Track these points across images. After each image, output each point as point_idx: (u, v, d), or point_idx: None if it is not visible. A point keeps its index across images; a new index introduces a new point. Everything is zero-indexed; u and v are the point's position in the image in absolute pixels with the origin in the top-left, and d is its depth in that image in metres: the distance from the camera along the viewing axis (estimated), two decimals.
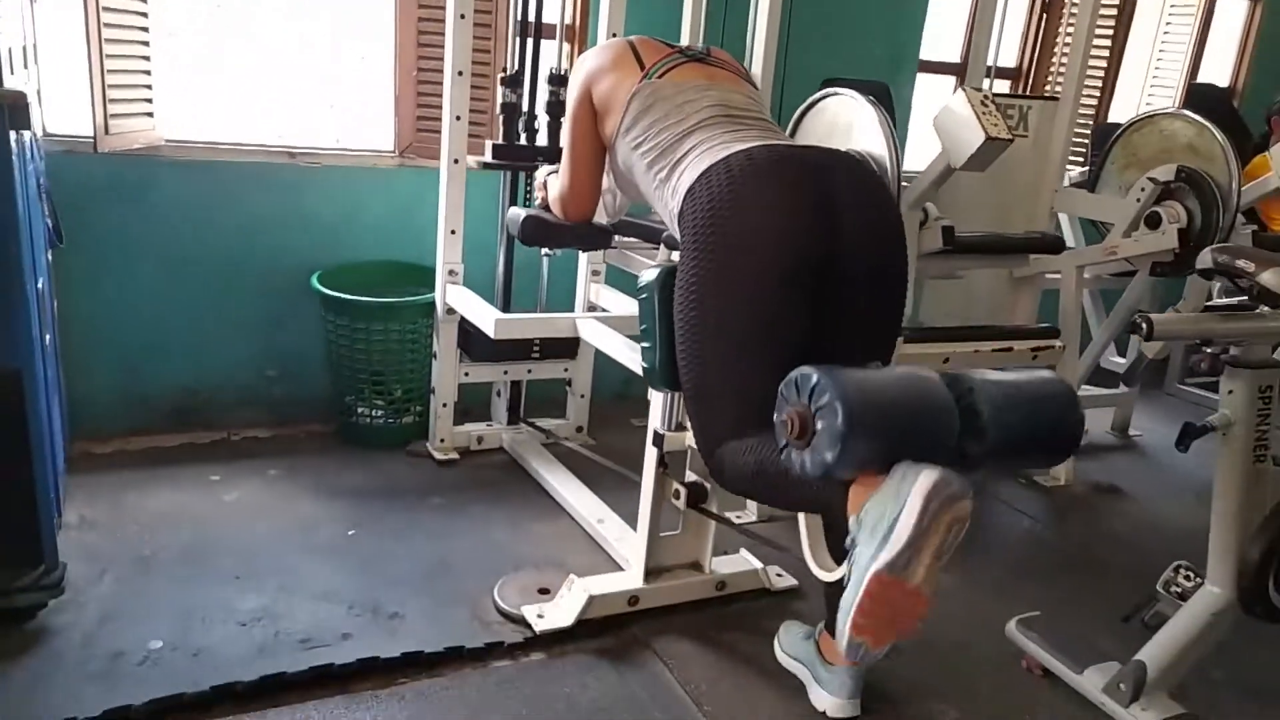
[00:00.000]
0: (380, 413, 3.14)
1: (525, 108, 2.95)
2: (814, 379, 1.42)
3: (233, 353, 3.16)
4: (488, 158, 2.84)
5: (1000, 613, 2.32)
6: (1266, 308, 1.75)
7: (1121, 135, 3.22)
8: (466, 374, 3.06)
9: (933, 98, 3.97)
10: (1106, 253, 3.09)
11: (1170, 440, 1.95)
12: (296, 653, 2.02)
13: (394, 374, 3.09)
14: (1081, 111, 4.10)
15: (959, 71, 3.88)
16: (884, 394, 1.45)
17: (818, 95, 2.66)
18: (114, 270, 2.93)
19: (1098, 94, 4.18)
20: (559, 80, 2.86)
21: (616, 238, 2.45)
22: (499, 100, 2.91)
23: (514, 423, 3.23)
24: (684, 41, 3.03)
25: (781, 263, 1.68)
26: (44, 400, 2.04)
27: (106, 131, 2.65)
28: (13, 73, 1.94)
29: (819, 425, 1.40)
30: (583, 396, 3.26)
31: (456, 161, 2.85)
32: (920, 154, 4.06)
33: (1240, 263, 1.69)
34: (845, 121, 2.54)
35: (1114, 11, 4.09)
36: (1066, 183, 3.51)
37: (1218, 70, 4.85)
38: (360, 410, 3.14)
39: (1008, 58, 4.23)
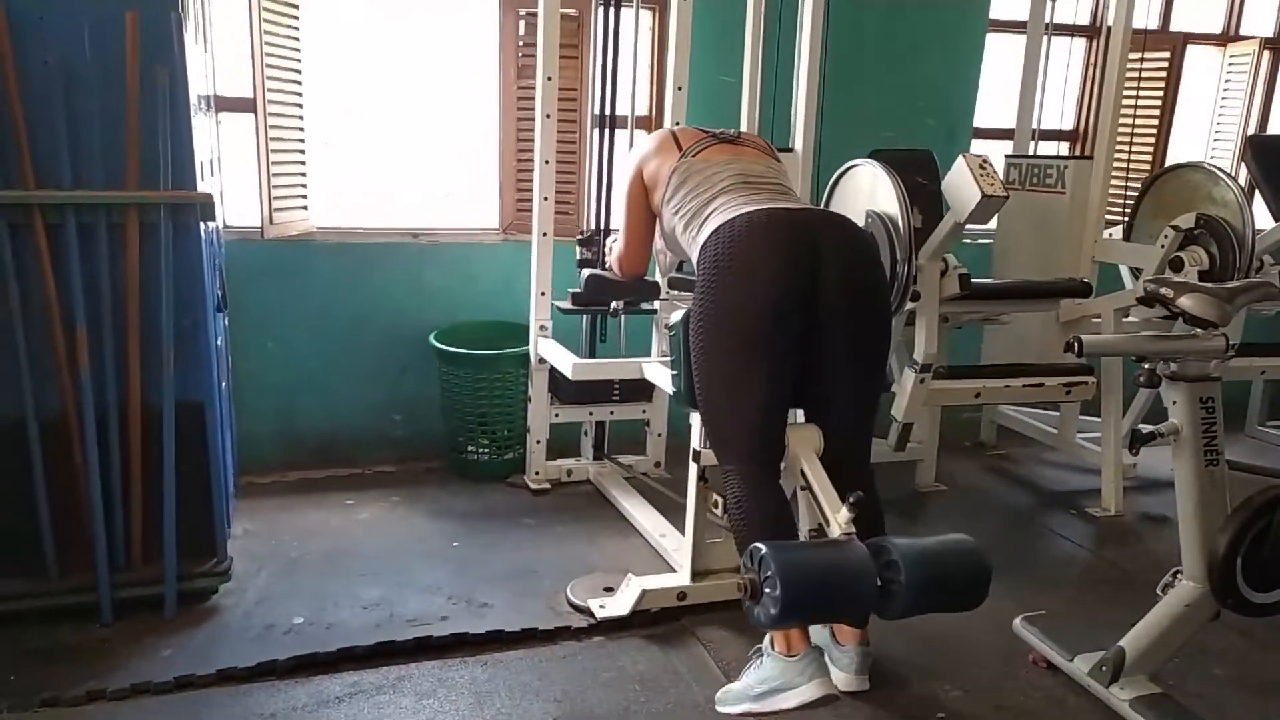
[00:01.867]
0: (486, 451, 3.66)
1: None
2: (761, 555, 1.86)
3: (368, 400, 3.76)
4: (569, 305, 3.15)
5: (1013, 613, 2.58)
6: (1199, 329, 2.04)
7: (1150, 187, 3.48)
8: (557, 415, 3.55)
9: None
10: (1137, 296, 3.32)
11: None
12: (405, 629, 2.51)
13: (497, 417, 3.61)
14: (1134, 167, 4.35)
15: (1013, 136, 4.19)
16: (814, 570, 1.89)
17: (847, 166, 3.08)
18: (274, 333, 3.59)
19: (1150, 150, 4.40)
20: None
21: (671, 291, 2.91)
22: (576, 254, 3.34)
23: (599, 458, 3.69)
24: (743, 125, 3.52)
25: (770, 298, 2.11)
26: (220, 428, 2.63)
27: (271, 222, 3.32)
28: (203, 179, 2.58)
29: (765, 592, 1.85)
30: (660, 435, 3.70)
31: (545, 235, 3.38)
32: None
33: (1164, 291, 2.00)
34: (869, 187, 2.95)
35: (1164, 71, 4.33)
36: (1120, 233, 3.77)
37: None
38: (470, 449, 3.67)
39: (1067, 120, 4.51)
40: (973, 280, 3.14)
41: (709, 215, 2.31)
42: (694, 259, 2.34)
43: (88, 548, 2.47)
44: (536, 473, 3.58)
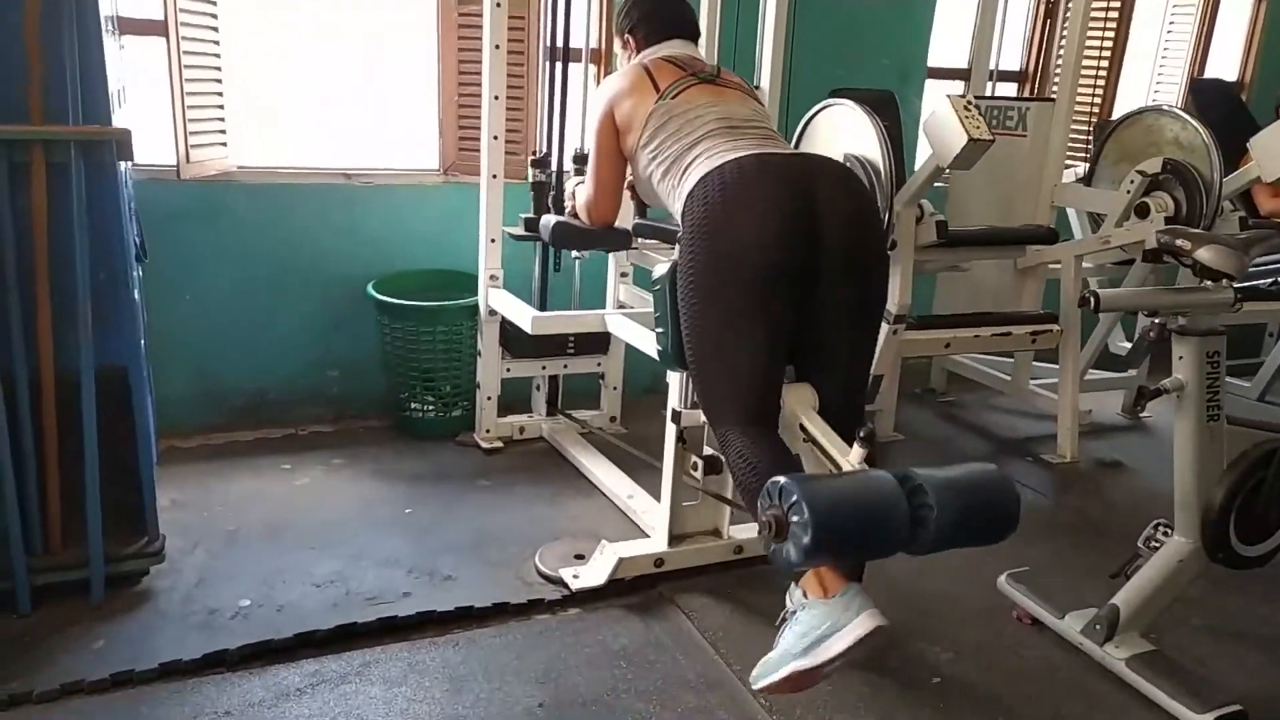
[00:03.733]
0: (431, 408, 3.45)
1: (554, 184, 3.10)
2: (781, 486, 1.67)
3: (299, 356, 3.49)
4: (520, 230, 3.06)
5: (994, 570, 2.54)
6: (1209, 281, 1.97)
7: (1113, 132, 3.43)
8: (508, 370, 3.35)
9: None
10: (1101, 242, 3.29)
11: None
12: (365, 608, 2.32)
13: (443, 372, 3.39)
14: (1085, 109, 4.31)
15: (966, 76, 4.10)
16: (843, 499, 1.68)
17: (820, 105, 2.94)
18: (194, 284, 3.27)
19: (1100, 92, 4.36)
20: (583, 159, 2.91)
21: (638, 240, 2.73)
22: (529, 177, 3.11)
23: (552, 414, 3.51)
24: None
25: (764, 255, 1.95)
26: (146, 394, 2.35)
27: (188, 161, 3.00)
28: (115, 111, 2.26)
29: (792, 523, 1.66)
30: (615, 389, 3.54)
31: (495, 177, 3.15)
32: None
33: (1180, 242, 1.91)
34: (845, 128, 2.81)
35: (1115, 12, 4.28)
36: (1073, 178, 3.73)
37: (1228, 65, 5.00)
38: (413, 406, 3.45)
39: (1014, 61, 4.44)
40: None
41: (693, 162, 2.13)
42: (676, 209, 2.17)
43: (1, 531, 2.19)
44: (488, 430, 3.39)
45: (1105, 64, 4.32)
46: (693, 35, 2.50)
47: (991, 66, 3.98)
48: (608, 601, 2.43)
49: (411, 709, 1.99)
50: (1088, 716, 2.10)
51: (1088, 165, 3.54)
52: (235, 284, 3.35)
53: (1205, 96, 4.37)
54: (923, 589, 2.57)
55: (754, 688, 1.87)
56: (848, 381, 2.12)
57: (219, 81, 3.14)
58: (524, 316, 2.93)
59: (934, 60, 4.29)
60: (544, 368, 3.42)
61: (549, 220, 2.55)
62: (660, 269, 2.14)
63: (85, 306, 2.16)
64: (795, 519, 1.63)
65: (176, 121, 2.94)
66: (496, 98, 3.07)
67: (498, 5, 2.99)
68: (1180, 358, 2.04)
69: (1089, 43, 4.28)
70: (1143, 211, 3.16)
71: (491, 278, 3.22)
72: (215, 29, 3.09)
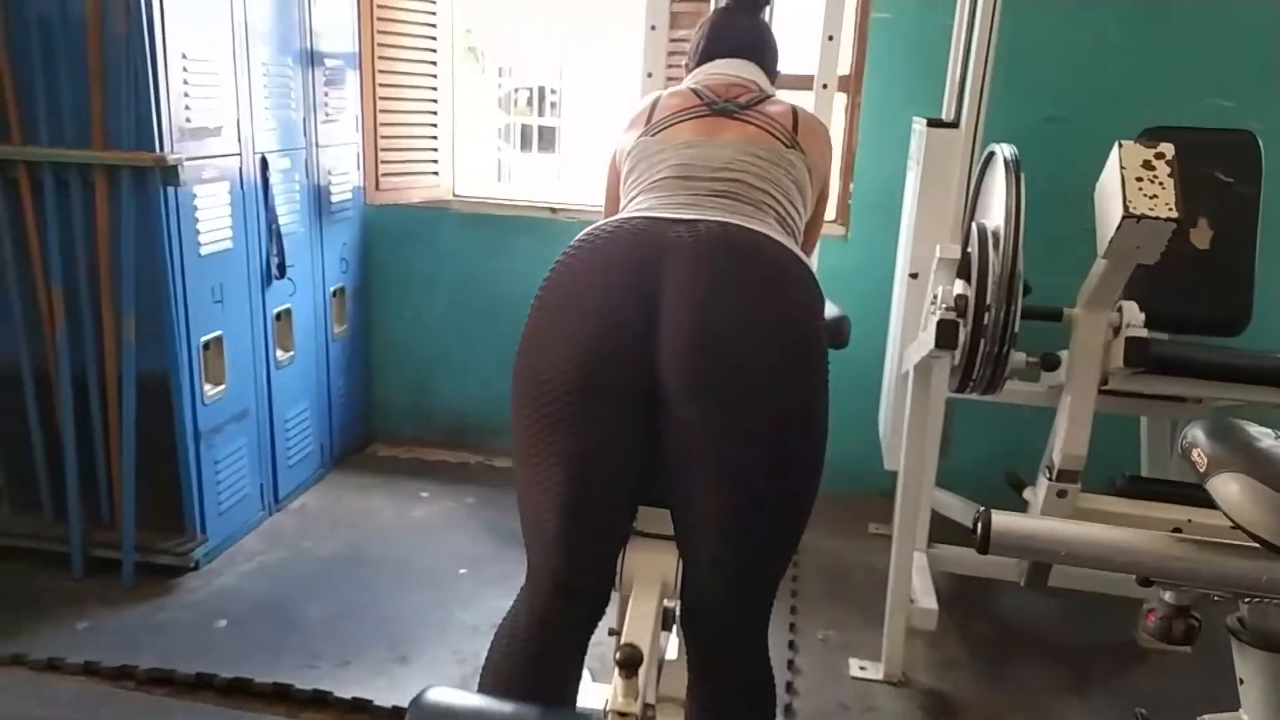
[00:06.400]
0: None
1: None
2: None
3: (500, 386, 3.46)
4: None
5: None
6: None
7: None
8: None
9: None
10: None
11: None
12: (295, 669, 2.18)
13: None
14: None
15: None
16: None
17: (988, 152, 2.07)
18: (412, 302, 3.48)
19: None
20: None
21: None
22: None
23: None
24: (946, 91, 2.57)
25: (572, 355, 1.39)
26: (188, 401, 2.48)
27: (378, 188, 3.14)
28: (180, 139, 2.46)
29: None
30: None
31: None
32: None
33: (1196, 453, 0.93)
34: (994, 186, 1.94)
35: None
36: None
37: None
38: None
39: None
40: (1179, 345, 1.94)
41: None
42: None
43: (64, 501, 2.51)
44: None
45: None
46: (745, 55, 1.88)
47: None
48: None
49: None
50: None
51: None
52: (447, 306, 3.48)
53: None
54: None
55: None
56: (724, 552, 1.44)
57: (433, 114, 3.24)
58: None
59: None
60: None
61: None
62: None
63: (127, 315, 2.36)
64: None
65: (365, 150, 3.09)
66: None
67: (653, 29, 2.63)
68: (1242, 681, 1.00)
69: None
70: None
71: None
72: (433, 63, 3.20)
